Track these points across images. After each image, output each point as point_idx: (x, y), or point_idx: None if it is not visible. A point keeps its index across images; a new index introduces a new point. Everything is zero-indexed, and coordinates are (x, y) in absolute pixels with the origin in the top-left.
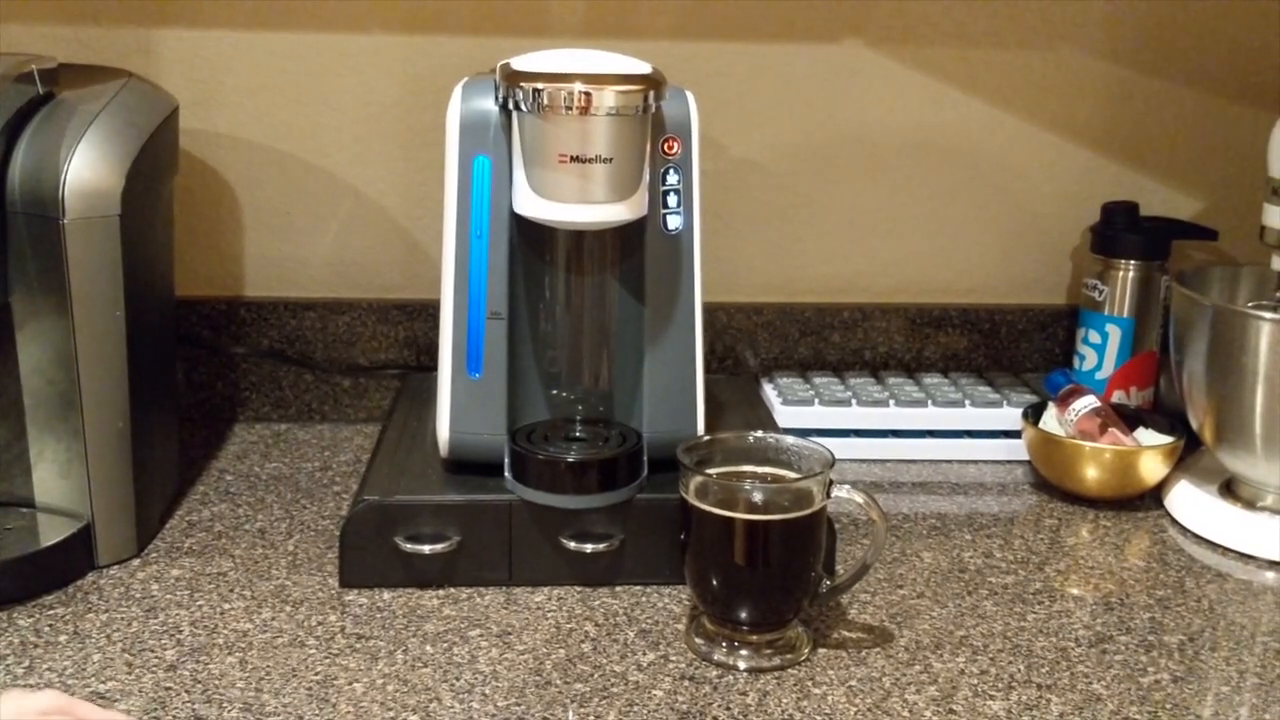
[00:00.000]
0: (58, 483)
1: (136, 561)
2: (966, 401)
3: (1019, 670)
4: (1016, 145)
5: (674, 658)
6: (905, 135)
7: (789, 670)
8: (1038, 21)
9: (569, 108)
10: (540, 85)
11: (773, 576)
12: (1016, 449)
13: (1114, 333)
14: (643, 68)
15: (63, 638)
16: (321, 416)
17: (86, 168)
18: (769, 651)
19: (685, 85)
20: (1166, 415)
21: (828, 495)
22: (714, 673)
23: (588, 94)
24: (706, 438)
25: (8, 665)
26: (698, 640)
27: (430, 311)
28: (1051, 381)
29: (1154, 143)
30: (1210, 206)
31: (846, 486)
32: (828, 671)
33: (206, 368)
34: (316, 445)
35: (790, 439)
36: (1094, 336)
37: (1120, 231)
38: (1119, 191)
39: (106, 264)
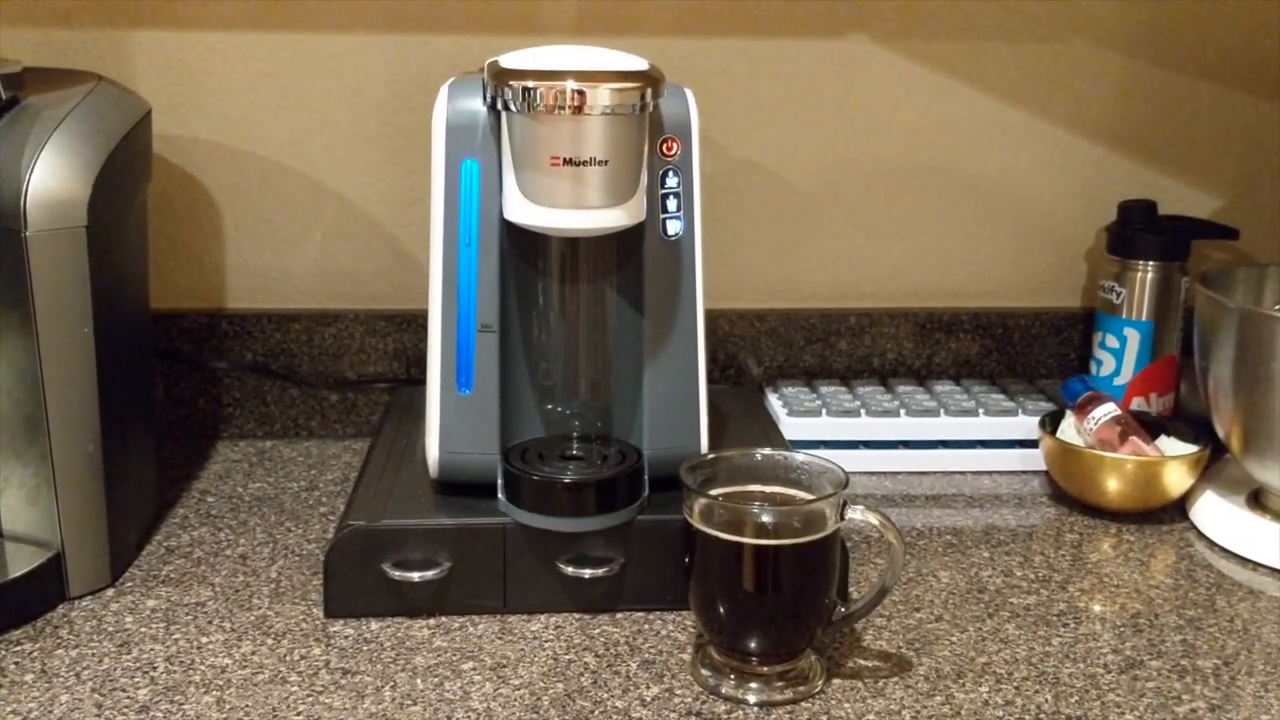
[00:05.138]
0: (25, 510)
1: (110, 592)
2: (980, 410)
3: (1046, 700)
4: (1027, 142)
5: (679, 691)
6: (912, 133)
7: (802, 704)
8: (1048, 14)
9: (561, 107)
10: (530, 83)
11: (784, 604)
12: (1033, 459)
13: (1132, 337)
14: (639, 64)
15: (29, 676)
16: (308, 433)
17: (50, 176)
18: (780, 684)
19: (683, 84)
20: (1189, 423)
21: (841, 517)
22: (722, 707)
23: (581, 92)
24: (710, 456)
25: None
26: (704, 672)
27: (420, 322)
28: (1069, 388)
29: (1170, 139)
30: (1229, 204)
31: (860, 508)
32: (844, 704)
33: (187, 383)
34: (303, 463)
35: (800, 456)
36: (1111, 341)
37: (1138, 231)
38: (1134, 189)
39: (73, 278)
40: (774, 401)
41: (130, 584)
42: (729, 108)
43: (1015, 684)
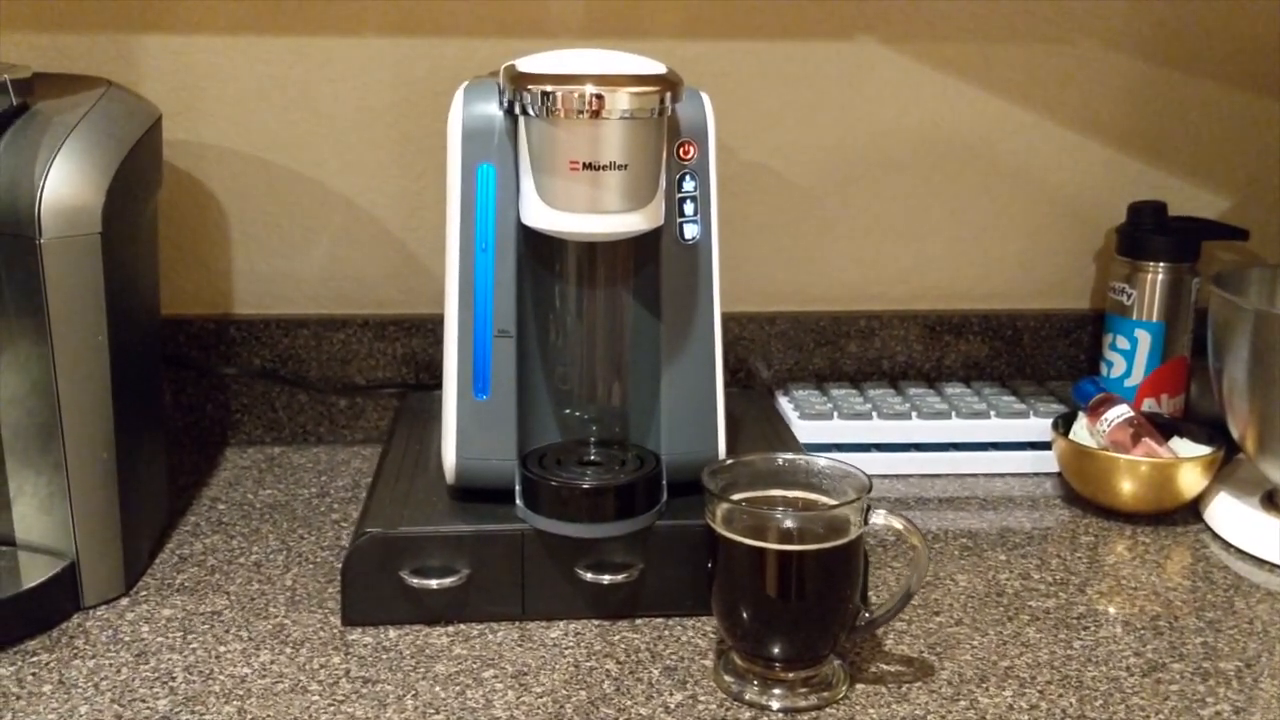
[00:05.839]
0: (39, 519)
1: (125, 601)
2: (991, 412)
3: (1071, 704)
4: (1037, 143)
5: (703, 698)
6: (921, 135)
7: (827, 710)
8: (1057, 14)
9: (580, 111)
10: (549, 87)
11: (808, 609)
12: (1045, 461)
13: (1143, 338)
14: (657, 68)
15: (47, 687)
16: (317, 439)
17: (64, 183)
18: (804, 690)
19: (690, 86)
20: (1201, 424)
21: (865, 522)
22: (746, 714)
23: (600, 96)
24: (731, 460)
25: None
26: (727, 678)
27: (429, 327)
28: (1081, 390)
29: (1179, 139)
30: (1238, 205)
31: (883, 512)
32: (868, 710)
33: (196, 390)
34: (313, 469)
35: (822, 460)
36: (1122, 342)
37: (1148, 232)
38: (1144, 190)
39: (87, 285)
40: (785, 404)
41: (145, 593)
42: (737, 110)
43: (1039, 688)
